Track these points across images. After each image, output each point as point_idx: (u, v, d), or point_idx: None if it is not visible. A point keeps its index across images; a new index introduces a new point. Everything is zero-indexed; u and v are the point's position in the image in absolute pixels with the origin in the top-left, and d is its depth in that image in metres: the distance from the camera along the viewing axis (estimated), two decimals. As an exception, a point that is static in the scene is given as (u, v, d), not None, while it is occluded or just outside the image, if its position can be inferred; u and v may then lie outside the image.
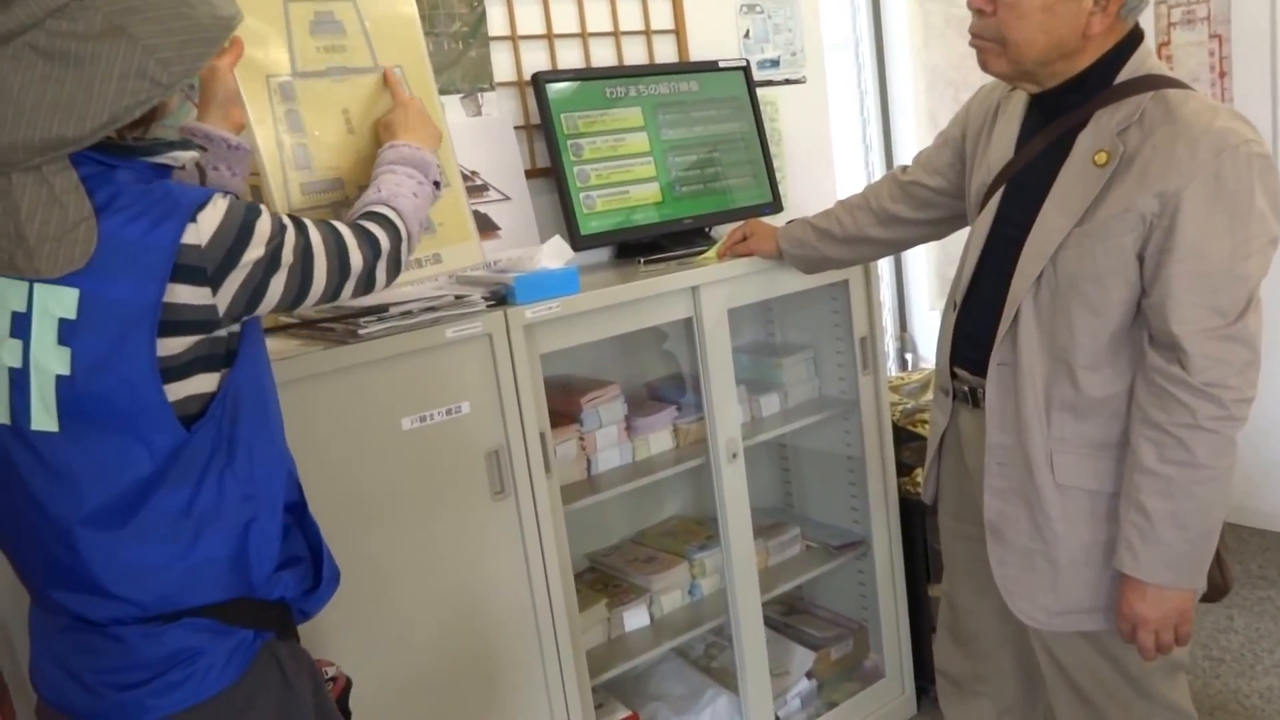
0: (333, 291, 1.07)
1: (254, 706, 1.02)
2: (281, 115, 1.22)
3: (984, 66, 1.34)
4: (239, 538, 1.01)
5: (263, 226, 0.98)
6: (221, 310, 0.96)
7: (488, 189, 1.87)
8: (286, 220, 1.02)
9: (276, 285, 0.99)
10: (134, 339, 0.91)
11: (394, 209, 1.14)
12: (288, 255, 1.00)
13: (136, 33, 0.89)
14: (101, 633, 0.98)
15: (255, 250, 0.97)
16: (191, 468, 0.97)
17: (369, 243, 1.09)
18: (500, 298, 1.58)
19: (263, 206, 1.00)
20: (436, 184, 1.23)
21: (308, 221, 1.04)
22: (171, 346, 0.93)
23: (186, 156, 1.00)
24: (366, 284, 1.10)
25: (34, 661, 1.06)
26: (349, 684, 1.21)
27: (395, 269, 1.13)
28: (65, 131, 0.87)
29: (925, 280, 2.90)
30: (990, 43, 1.29)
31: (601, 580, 2.00)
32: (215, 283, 0.94)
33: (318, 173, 1.24)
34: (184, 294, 0.92)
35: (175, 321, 0.93)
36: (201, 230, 0.92)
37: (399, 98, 1.30)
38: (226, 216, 0.95)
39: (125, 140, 0.97)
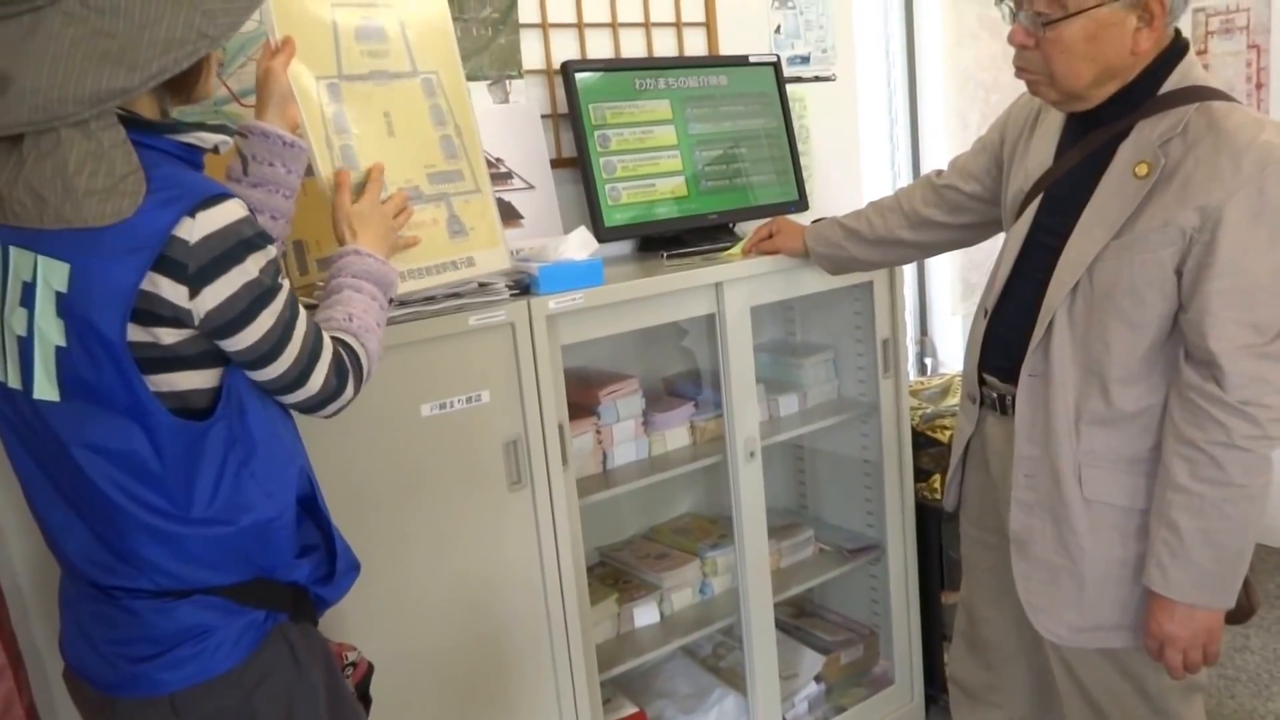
0: (289, 382, 1.00)
1: (263, 686, 1.02)
2: (330, 116, 1.23)
3: (1034, 95, 1.32)
4: (260, 535, 1.01)
5: (261, 257, 0.95)
6: (197, 318, 0.92)
7: (512, 177, 1.86)
8: (286, 284, 0.99)
9: (259, 326, 0.95)
10: (110, 318, 0.89)
11: (364, 347, 1.08)
12: (280, 301, 0.97)
13: None
14: (116, 604, 0.99)
15: (247, 271, 0.93)
16: (211, 465, 0.96)
17: (338, 371, 1.04)
18: (524, 287, 1.57)
19: (274, 248, 0.97)
20: (392, 300, 1.18)
21: (301, 309, 1.01)
22: (160, 336, 0.92)
23: (215, 138, 0.99)
24: (317, 404, 1.04)
25: (62, 628, 1.08)
26: (370, 669, 1.21)
27: (342, 410, 1.07)
28: (115, 83, 0.88)
29: (948, 284, 2.87)
30: (1038, 75, 1.27)
31: (612, 575, 1.99)
32: (194, 286, 0.91)
33: (363, 174, 1.24)
34: (165, 287, 0.90)
35: (155, 313, 0.91)
36: (195, 228, 0.90)
37: (370, 187, 1.21)
38: (229, 226, 0.92)
39: (161, 116, 0.98)
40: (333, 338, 1.05)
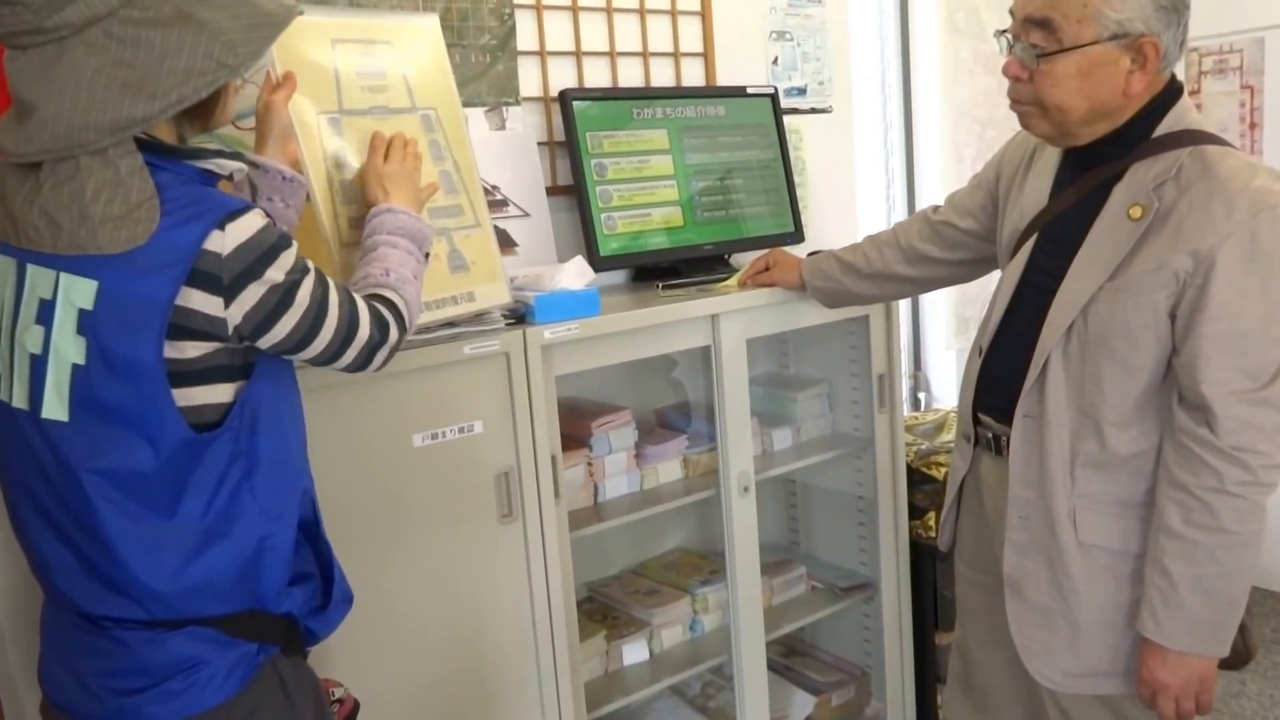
0: (333, 352, 1.04)
1: None
2: (330, 151, 1.24)
3: (1025, 128, 1.32)
4: (253, 553, 1.00)
5: (287, 256, 0.97)
6: (231, 326, 0.94)
7: (507, 204, 1.85)
8: (311, 265, 1.01)
9: (287, 322, 0.98)
10: (143, 335, 0.90)
11: (403, 298, 1.12)
12: (303, 296, 0.99)
13: (204, 18, 0.93)
14: (106, 635, 0.98)
15: (275, 274, 0.95)
16: (208, 477, 0.96)
17: (379, 324, 1.07)
18: (519, 316, 1.55)
19: (294, 242, 0.99)
20: (426, 254, 1.22)
21: (330, 280, 1.03)
22: (185, 350, 0.93)
23: (232, 165, 1.00)
24: (364, 360, 1.08)
25: (42, 659, 1.06)
26: (357, 706, 1.20)
27: (390, 357, 1.11)
28: (135, 112, 0.90)
29: (943, 319, 2.86)
30: (1030, 106, 1.27)
31: (600, 611, 1.96)
32: (229, 295, 0.93)
33: (364, 207, 1.25)
34: (198, 300, 0.92)
35: (186, 326, 0.92)
36: (227, 239, 0.92)
37: (395, 149, 1.26)
38: (257, 234, 0.94)
39: (179, 142, 1.00)
40: (372, 294, 1.09)
